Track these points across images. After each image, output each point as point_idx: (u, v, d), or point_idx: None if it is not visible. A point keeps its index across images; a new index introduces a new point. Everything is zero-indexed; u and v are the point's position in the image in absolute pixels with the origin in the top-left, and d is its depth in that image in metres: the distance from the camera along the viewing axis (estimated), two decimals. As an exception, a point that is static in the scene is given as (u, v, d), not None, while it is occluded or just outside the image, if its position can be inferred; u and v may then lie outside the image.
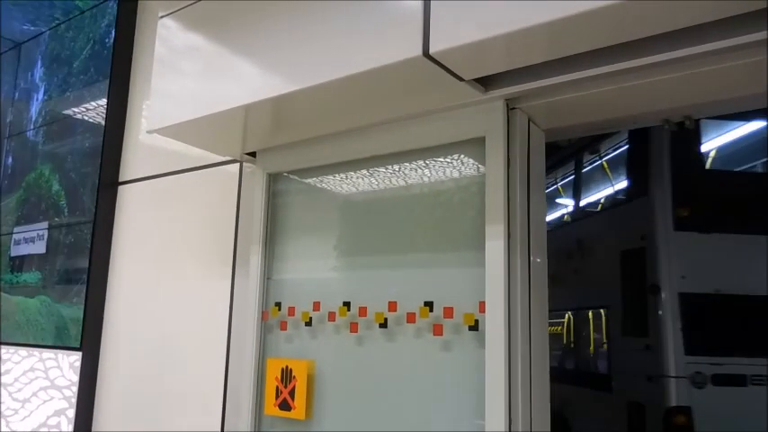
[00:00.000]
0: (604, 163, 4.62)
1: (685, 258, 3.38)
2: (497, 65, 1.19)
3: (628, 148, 4.25)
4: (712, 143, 4.25)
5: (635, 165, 4.00)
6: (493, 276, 1.29)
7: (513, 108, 1.37)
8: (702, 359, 3.30)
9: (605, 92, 1.25)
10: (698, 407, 3.18)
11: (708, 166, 4.07)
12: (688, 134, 3.59)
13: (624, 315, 4.01)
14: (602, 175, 4.91)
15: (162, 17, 1.67)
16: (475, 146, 1.40)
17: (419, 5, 1.14)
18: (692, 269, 3.37)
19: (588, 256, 4.39)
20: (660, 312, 3.49)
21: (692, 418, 3.13)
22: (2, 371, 2.60)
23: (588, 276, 4.34)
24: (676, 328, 3.32)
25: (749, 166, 4.38)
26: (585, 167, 5.12)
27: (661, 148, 3.58)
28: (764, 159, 4.27)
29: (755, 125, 3.95)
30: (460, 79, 1.23)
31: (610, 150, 4.59)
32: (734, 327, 3.31)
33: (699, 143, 3.66)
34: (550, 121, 1.46)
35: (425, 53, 1.13)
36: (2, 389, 2.58)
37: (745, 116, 3.78)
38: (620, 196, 4.39)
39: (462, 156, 1.45)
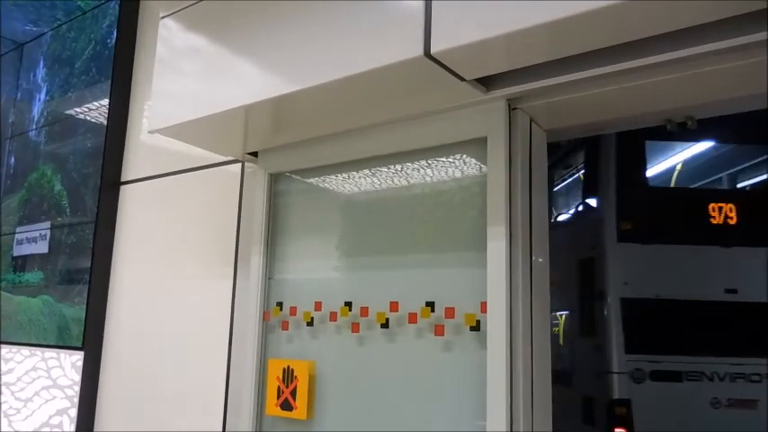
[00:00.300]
0: (580, 176, 4.89)
1: (628, 267, 3.71)
2: (499, 65, 1.19)
3: (584, 168, 4.57)
4: (664, 163, 4.61)
5: (588, 182, 4.35)
6: (494, 277, 1.29)
7: (515, 108, 1.37)
8: (642, 357, 3.63)
9: (607, 92, 1.24)
10: (637, 399, 3.52)
11: (673, 182, 4.45)
12: (632, 155, 3.90)
13: (581, 318, 4.36)
14: (571, 190, 5.24)
15: (163, 17, 1.67)
16: (476, 146, 1.40)
17: (420, 5, 1.14)
18: (633, 276, 3.71)
19: (557, 263, 4.69)
20: (606, 315, 3.80)
21: (631, 409, 3.48)
22: (5, 370, 2.61)
23: (558, 282, 4.63)
24: (619, 329, 3.65)
25: (711, 179, 4.75)
26: (558, 183, 5.52)
27: (608, 168, 3.91)
28: (721, 174, 4.67)
29: (704, 145, 4.33)
30: (462, 79, 1.23)
31: (580, 167, 4.92)
32: (671, 328, 3.64)
33: (642, 164, 3.98)
34: (552, 122, 1.46)
35: (427, 53, 1.13)
36: (4, 388, 2.59)
37: (694, 137, 4.16)
38: (579, 210, 4.76)
39: (464, 156, 1.45)
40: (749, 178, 4.66)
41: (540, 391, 1.34)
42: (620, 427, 3.54)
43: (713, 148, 4.41)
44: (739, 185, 4.69)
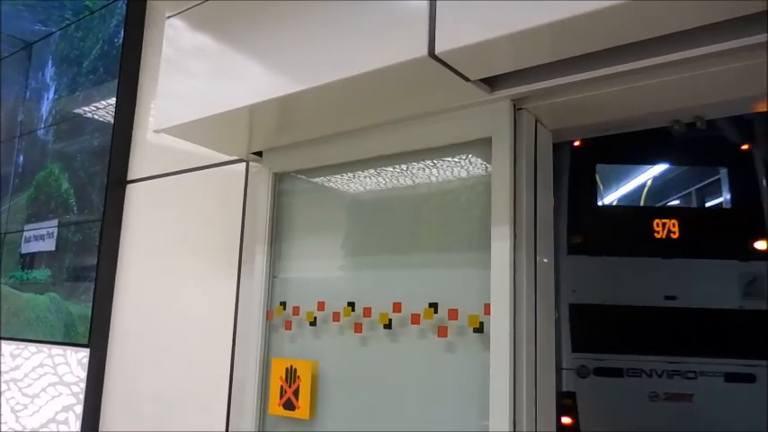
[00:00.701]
0: None
1: (576, 276, 4.10)
2: (503, 65, 1.18)
3: None
4: (623, 187, 5.11)
5: None
6: (498, 278, 1.29)
7: (520, 108, 1.36)
8: (587, 355, 4.01)
9: (612, 92, 1.23)
10: (582, 392, 3.95)
11: (643, 199, 4.91)
12: (583, 178, 4.30)
13: None
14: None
15: (169, 17, 1.67)
16: (482, 146, 1.39)
17: (425, 5, 1.14)
18: (581, 285, 4.10)
19: None
20: (557, 318, 4.17)
21: (576, 401, 3.92)
22: (12, 366, 2.63)
23: None
24: (566, 331, 4.04)
25: (680, 195, 5.20)
26: None
27: (562, 188, 4.31)
28: (690, 189, 5.08)
29: (660, 167, 4.77)
30: (466, 79, 1.22)
31: None
32: (614, 330, 4.04)
33: (593, 184, 4.40)
34: (557, 122, 1.45)
35: (431, 53, 1.12)
36: (12, 384, 2.61)
37: (650, 161, 4.60)
38: None
39: (469, 156, 1.44)
40: (713, 195, 5.01)
41: (544, 392, 1.33)
42: (566, 416, 3.90)
43: (669, 170, 4.85)
44: (708, 204, 5.06)
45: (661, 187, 5.06)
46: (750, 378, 3.80)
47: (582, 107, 1.34)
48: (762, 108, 1.24)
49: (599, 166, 4.40)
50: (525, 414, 1.25)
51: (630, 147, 4.23)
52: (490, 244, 1.31)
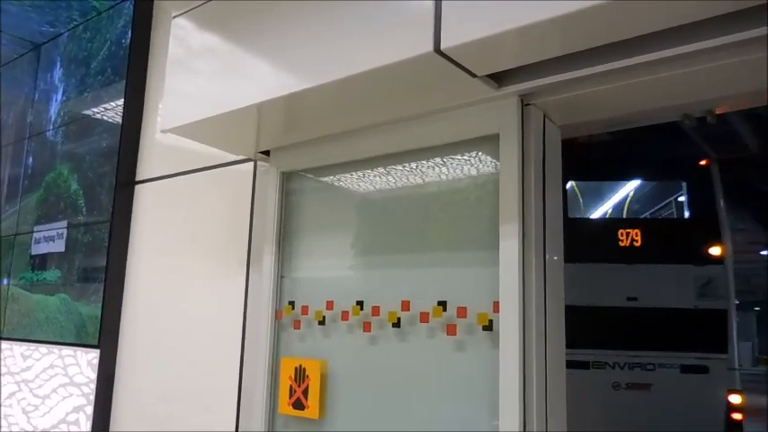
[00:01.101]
0: None
1: None
2: (510, 60, 1.17)
3: None
4: (605, 204, 5.52)
5: None
6: (507, 276, 1.28)
7: (528, 104, 1.35)
8: None
9: (622, 87, 1.22)
10: None
11: (625, 210, 5.36)
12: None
13: None
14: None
15: (175, 17, 1.67)
16: (490, 143, 1.38)
17: (430, 2, 1.13)
18: None
19: None
20: None
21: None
22: (24, 367, 2.65)
23: None
24: None
25: (661, 206, 5.62)
26: None
27: None
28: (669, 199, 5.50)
29: (635, 183, 5.22)
30: (473, 75, 1.21)
31: None
32: (581, 328, 4.58)
33: (564, 199, 4.85)
34: (566, 118, 1.43)
35: (437, 49, 1.11)
36: (23, 385, 2.63)
37: (618, 177, 5.07)
38: None
39: (479, 153, 1.43)
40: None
41: (555, 390, 1.32)
42: None
43: (646, 184, 5.27)
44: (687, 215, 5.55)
45: (643, 199, 5.53)
46: (703, 369, 4.29)
47: (590, 102, 1.32)
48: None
49: (579, 184, 4.94)
50: (536, 413, 1.24)
51: (598, 165, 4.63)
52: (499, 241, 1.30)
